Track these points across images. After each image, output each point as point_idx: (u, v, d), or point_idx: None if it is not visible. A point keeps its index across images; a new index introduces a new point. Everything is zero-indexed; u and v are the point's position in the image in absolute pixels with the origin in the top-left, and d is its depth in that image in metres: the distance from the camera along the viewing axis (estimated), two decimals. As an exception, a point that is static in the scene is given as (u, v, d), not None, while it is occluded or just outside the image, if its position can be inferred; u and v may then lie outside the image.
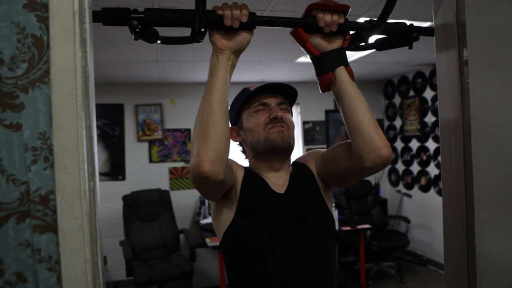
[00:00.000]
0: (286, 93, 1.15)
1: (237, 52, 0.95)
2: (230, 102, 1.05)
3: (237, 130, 1.17)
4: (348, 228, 3.68)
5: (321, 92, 1.05)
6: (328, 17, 0.95)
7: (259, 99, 1.12)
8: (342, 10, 0.97)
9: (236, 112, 1.16)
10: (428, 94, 4.37)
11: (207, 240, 3.34)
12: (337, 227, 3.66)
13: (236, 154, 1.20)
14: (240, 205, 1.04)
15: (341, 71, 1.00)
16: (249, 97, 1.12)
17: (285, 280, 1.00)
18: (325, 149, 1.18)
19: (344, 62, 1.01)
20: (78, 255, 0.69)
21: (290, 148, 1.11)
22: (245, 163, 1.20)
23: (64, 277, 0.68)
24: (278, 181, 1.11)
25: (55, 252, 0.68)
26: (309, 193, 1.12)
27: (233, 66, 0.96)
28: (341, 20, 0.97)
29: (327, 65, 1.00)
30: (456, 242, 0.97)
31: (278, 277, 1.00)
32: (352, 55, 3.44)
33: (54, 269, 0.68)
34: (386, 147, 0.96)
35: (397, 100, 4.92)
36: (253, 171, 1.13)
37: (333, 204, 3.78)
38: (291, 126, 1.12)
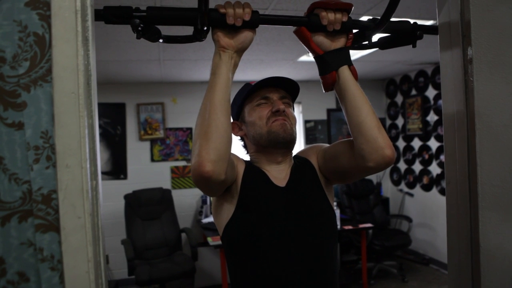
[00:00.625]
0: (288, 88, 1.15)
1: (240, 51, 0.94)
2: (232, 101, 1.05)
3: (238, 124, 1.17)
4: (350, 227, 3.68)
5: (324, 91, 1.05)
6: (331, 15, 0.95)
7: (261, 93, 1.12)
8: (345, 8, 0.97)
9: (238, 107, 1.16)
10: (431, 93, 4.36)
11: (209, 239, 3.34)
12: (339, 226, 3.65)
13: (238, 149, 1.19)
14: (240, 199, 1.04)
15: (344, 71, 0.99)
16: (251, 91, 1.12)
17: (286, 273, 1.00)
18: (327, 145, 1.17)
19: (348, 61, 1.00)
20: (81, 254, 0.68)
21: (292, 140, 1.11)
22: (246, 158, 1.20)
23: (67, 277, 0.67)
24: (279, 174, 1.11)
25: (57, 252, 0.68)
26: (310, 187, 1.12)
27: (235, 65, 0.95)
28: (344, 18, 0.97)
29: (330, 64, 0.99)
30: (459, 241, 0.97)
31: (278, 271, 1.00)
32: (354, 54, 3.43)
33: (56, 269, 0.68)
34: (389, 147, 0.95)
35: (399, 99, 4.91)
36: (254, 164, 1.13)
37: (335, 203, 3.78)
38: (293, 120, 1.12)
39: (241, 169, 1.08)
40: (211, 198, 1.15)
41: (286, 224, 1.03)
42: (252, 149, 1.16)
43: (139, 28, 0.86)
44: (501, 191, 0.89)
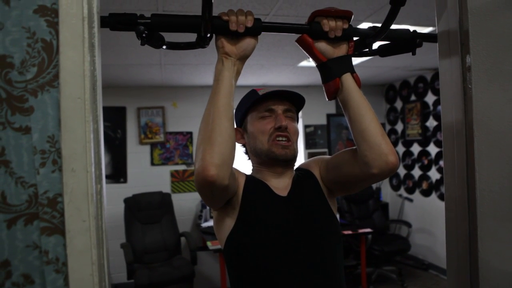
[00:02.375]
0: (293, 100, 1.15)
1: (242, 59, 0.96)
2: (235, 106, 1.05)
3: (241, 132, 1.17)
4: (349, 232, 3.68)
5: (327, 99, 1.05)
6: (332, 23, 0.96)
7: (266, 105, 1.11)
8: (346, 15, 0.98)
9: (242, 114, 1.15)
10: (430, 98, 4.38)
11: (208, 243, 3.34)
12: (338, 231, 3.65)
13: (239, 154, 1.20)
14: (241, 210, 1.04)
15: (347, 78, 1.00)
16: (256, 102, 1.12)
17: (290, 284, 0.99)
18: (329, 156, 1.17)
19: (351, 69, 1.01)
20: (85, 257, 0.69)
21: (293, 158, 1.11)
22: (247, 165, 1.20)
23: (71, 279, 0.68)
24: (280, 185, 1.11)
25: (62, 254, 0.69)
26: (313, 196, 1.11)
27: (238, 73, 0.96)
28: (345, 26, 0.98)
29: (333, 71, 1.00)
30: (458, 247, 0.98)
31: (282, 281, 0.99)
32: (354, 60, 3.44)
33: (61, 271, 0.69)
34: (393, 154, 0.95)
35: (398, 104, 4.93)
36: (254, 176, 1.13)
37: (335, 208, 3.77)
38: (294, 136, 1.11)
39: (241, 181, 1.08)
40: (212, 212, 1.14)
41: (289, 232, 1.03)
42: (253, 159, 1.16)
43: (144, 35, 0.88)
44: (499, 197, 0.90)
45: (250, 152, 1.15)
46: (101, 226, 0.73)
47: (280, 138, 1.08)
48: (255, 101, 1.12)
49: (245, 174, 1.13)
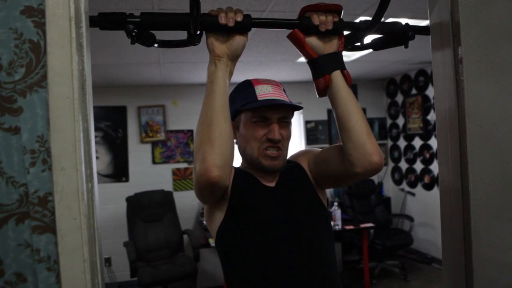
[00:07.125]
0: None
1: (234, 59, 0.96)
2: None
3: (233, 126, 1.12)
4: (352, 227, 3.68)
5: (318, 96, 1.05)
6: (322, 17, 0.96)
7: (261, 110, 1.06)
8: (335, 9, 0.98)
9: (236, 110, 1.11)
10: (431, 92, 4.35)
11: (211, 241, 3.36)
12: (340, 226, 3.66)
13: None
14: (231, 202, 1.05)
15: (337, 75, 1.00)
16: (251, 108, 1.06)
17: (279, 272, 1.00)
18: (319, 149, 1.18)
19: (341, 66, 1.01)
20: (77, 255, 0.70)
21: (281, 168, 1.10)
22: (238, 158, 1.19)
23: (63, 277, 0.69)
24: (268, 176, 1.12)
25: (54, 252, 0.70)
26: (301, 186, 1.12)
27: (231, 73, 0.96)
28: (335, 19, 0.98)
29: (324, 68, 1.00)
30: (453, 239, 0.98)
31: (272, 270, 1.00)
32: (353, 54, 3.44)
33: (53, 269, 0.70)
34: (377, 154, 0.96)
35: (399, 98, 4.91)
36: (243, 169, 1.14)
37: (336, 203, 3.77)
38: (286, 142, 1.09)
39: (231, 174, 1.08)
40: (203, 205, 1.15)
41: (277, 221, 1.04)
42: (243, 159, 1.15)
43: (133, 34, 0.88)
44: (492, 188, 0.90)
45: (240, 152, 1.15)
46: (92, 224, 0.74)
47: (270, 149, 1.05)
48: (249, 108, 1.06)
49: (234, 167, 1.13)
